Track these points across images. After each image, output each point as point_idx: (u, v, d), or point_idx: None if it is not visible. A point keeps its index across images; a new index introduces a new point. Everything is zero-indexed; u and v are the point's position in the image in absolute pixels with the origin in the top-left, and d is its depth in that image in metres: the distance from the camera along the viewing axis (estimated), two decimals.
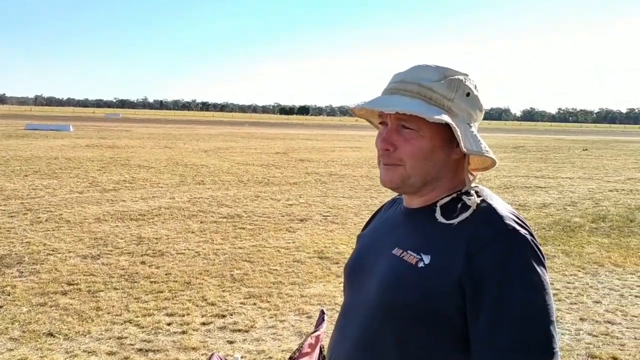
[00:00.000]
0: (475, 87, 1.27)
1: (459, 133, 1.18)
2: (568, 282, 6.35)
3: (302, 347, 2.00)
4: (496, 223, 1.16)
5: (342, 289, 5.22)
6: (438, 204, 1.25)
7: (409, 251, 1.22)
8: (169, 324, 4.83)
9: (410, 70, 1.27)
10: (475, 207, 1.20)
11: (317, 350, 2.13)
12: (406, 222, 1.32)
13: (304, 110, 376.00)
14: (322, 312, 2.36)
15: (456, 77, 1.25)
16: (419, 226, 1.27)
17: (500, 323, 1.08)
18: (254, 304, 5.42)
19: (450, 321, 1.13)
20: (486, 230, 1.15)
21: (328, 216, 9.94)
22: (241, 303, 5.42)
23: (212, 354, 1.95)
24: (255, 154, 22.75)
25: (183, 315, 5.03)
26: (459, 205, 1.22)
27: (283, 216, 9.82)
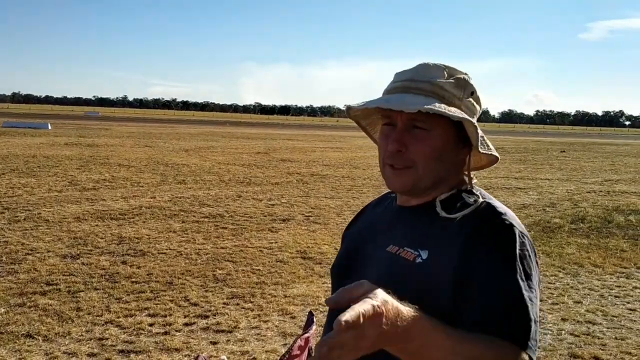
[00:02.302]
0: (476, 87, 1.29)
1: (479, 132, 1.20)
2: (549, 283, 6.41)
3: (291, 349, 1.98)
4: (496, 219, 1.18)
5: (325, 289, 5.19)
6: (437, 199, 1.25)
7: (405, 248, 1.22)
8: (151, 325, 4.77)
9: (417, 68, 1.26)
10: (477, 205, 1.21)
11: (305, 352, 2.11)
12: (402, 219, 1.31)
13: (284, 110, 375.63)
14: (311, 314, 2.34)
15: (462, 76, 1.25)
16: (417, 223, 1.26)
17: (488, 309, 1.08)
18: (237, 304, 5.38)
19: (444, 315, 1.10)
20: (486, 225, 1.17)
21: (310, 216, 9.92)
22: (224, 303, 5.38)
23: (198, 356, 1.92)
24: (237, 154, 22.65)
25: (165, 316, 4.97)
26: (459, 203, 1.23)
27: (265, 216, 9.78)
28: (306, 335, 2.17)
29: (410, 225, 1.27)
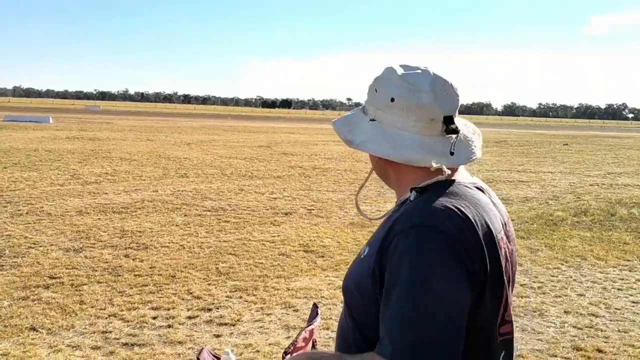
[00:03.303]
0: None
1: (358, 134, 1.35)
2: (552, 275, 6.41)
3: (296, 341, 1.98)
4: (409, 216, 1.16)
5: (328, 282, 5.21)
6: (397, 201, 1.32)
7: (365, 245, 1.28)
8: (154, 318, 4.78)
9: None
10: (407, 200, 1.24)
11: (310, 344, 2.10)
12: None
13: (286, 104, 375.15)
14: (315, 306, 2.34)
15: (373, 81, 1.34)
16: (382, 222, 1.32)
17: (385, 322, 1.10)
18: (240, 297, 5.38)
19: (377, 306, 1.16)
20: (399, 223, 1.15)
21: (312, 210, 9.92)
22: (227, 297, 5.38)
23: (202, 349, 1.92)
24: (239, 147, 22.63)
25: (168, 309, 4.98)
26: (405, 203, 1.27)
27: (267, 209, 9.78)
28: (311, 327, 2.16)
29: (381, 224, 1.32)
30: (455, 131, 1.23)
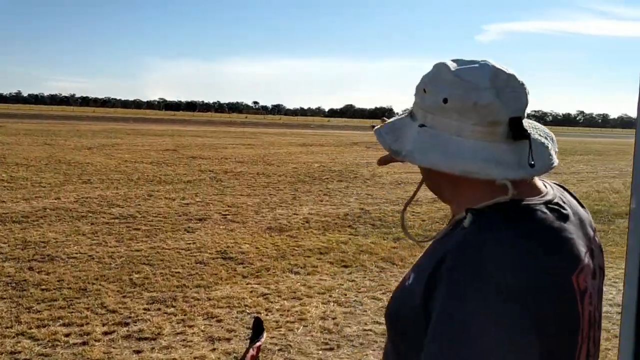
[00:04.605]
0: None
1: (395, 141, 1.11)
2: None
3: (244, 359, 1.88)
4: (463, 251, 0.96)
5: (250, 290, 5.09)
6: (452, 219, 1.11)
7: (411, 270, 1.10)
8: (67, 335, 4.47)
9: None
10: (460, 223, 1.02)
11: None
12: None
13: (191, 107, 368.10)
14: (260, 321, 2.23)
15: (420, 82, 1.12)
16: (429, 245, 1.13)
17: None
18: (159, 309, 5.15)
19: (420, 339, 0.97)
20: (451, 256, 0.96)
21: (228, 215, 9.72)
22: (145, 309, 5.13)
23: None
24: (144, 151, 21.89)
25: (82, 325, 4.68)
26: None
27: (180, 216, 9.48)
28: (258, 343, 2.07)
29: (428, 248, 1.13)
30: (526, 136, 1.01)
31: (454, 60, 1.07)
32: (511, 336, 0.89)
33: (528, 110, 1.07)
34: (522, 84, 1.04)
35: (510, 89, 1.02)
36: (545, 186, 1.09)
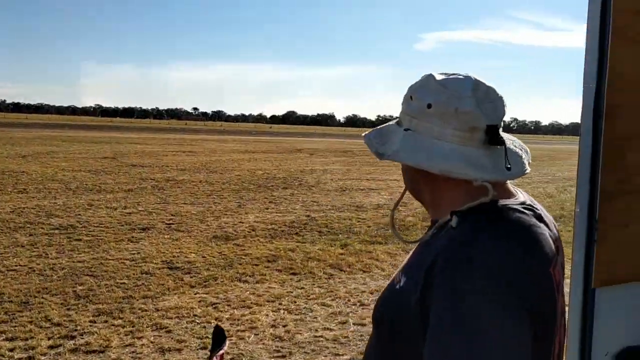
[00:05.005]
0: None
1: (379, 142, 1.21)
2: None
3: None
4: (455, 249, 1.02)
5: (199, 299, 5.07)
6: (437, 224, 1.15)
7: (400, 272, 1.15)
8: (11, 350, 4.32)
9: None
10: (447, 225, 1.09)
11: None
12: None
13: (128, 113, 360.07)
14: (220, 329, 2.25)
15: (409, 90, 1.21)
16: (416, 247, 1.19)
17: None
18: (106, 321, 5.05)
19: (417, 340, 1.03)
20: (444, 254, 1.01)
21: (172, 224, 9.59)
22: (91, 321, 5.02)
23: None
24: (82, 159, 21.28)
25: (26, 339, 4.53)
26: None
27: (122, 225, 9.29)
28: (221, 352, 2.08)
29: (412, 250, 1.20)
30: (501, 142, 1.09)
31: (440, 73, 1.15)
32: (515, 324, 0.95)
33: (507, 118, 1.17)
34: (501, 97, 1.13)
35: (489, 100, 1.11)
36: (517, 191, 1.18)
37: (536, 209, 1.13)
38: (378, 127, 1.26)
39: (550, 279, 1.04)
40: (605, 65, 1.56)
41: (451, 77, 1.13)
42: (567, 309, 1.20)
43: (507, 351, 0.93)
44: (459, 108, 1.08)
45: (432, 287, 1.00)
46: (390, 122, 1.25)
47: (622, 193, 1.61)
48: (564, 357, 1.49)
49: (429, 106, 1.11)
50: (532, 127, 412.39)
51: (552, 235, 1.13)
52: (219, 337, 2.18)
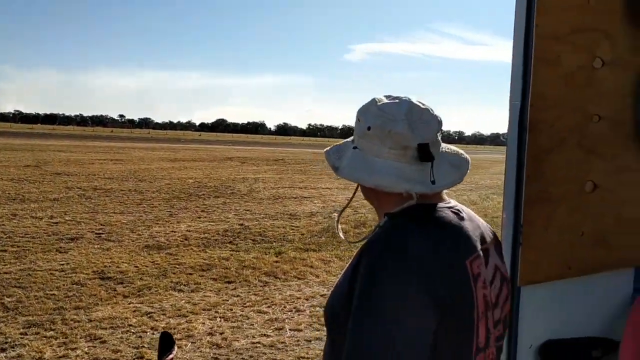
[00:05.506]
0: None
1: (336, 157, 1.37)
2: None
3: None
4: (374, 241, 1.20)
5: (133, 309, 5.06)
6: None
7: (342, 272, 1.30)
8: None
9: None
10: (378, 228, 1.26)
11: None
12: None
13: (50, 119, 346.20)
14: (168, 335, 2.30)
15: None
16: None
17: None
18: (37, 333, 4.93)
19: None
20: (365, 247, 1.20)
21: (102, 234, 9.39)
22: (21, 333, 4.89)
23: None
24: (2, 167, 20.35)
25: None
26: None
27: (50, 235, 9.02)
28: (170, 357, 2.14)
29: None
30: (430, 158, 1.25)
31: (386, 96, 1.33)
32: (415, 305, 1.11)
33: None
34: (435, 116, 1.30)
35: (422, 121, 1.27)
36: (451, 200, 1.36)
37: (460, 211, 1.31)
38: (338, 143, 1.42)
39: (465, 270, 1.20)
40: (528, 85, 1.75)
41: (390, 102, 1.30)
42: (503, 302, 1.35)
43: (404, 328, 1.09)
44: (392, 130, 1.25)
45: (357, 276, 1.16)
46: (348, 140, 1.41)
47: (542, 200, 1.80)
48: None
49: (369, 128, 1.29)
50: (456, 137, 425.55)
51: (479, 235, 1.31)
52: (167, 342, 2.23)
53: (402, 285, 1.12)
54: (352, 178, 1.29)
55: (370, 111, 1.31)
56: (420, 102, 1.31)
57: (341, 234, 1.48)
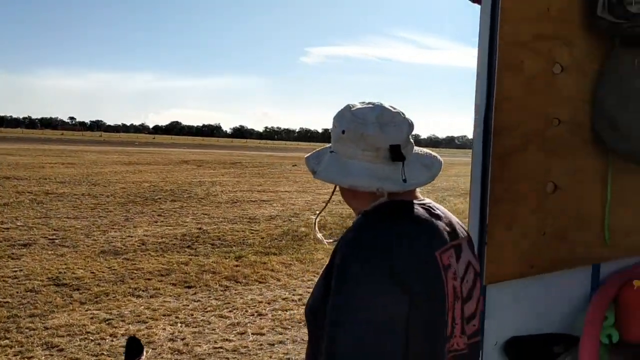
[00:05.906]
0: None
1: (317, 162, 1.45)
2: (308, 287, 6.94)
3: None
4: (346, 236, 1.31)
5: (90, 316, 4.97)
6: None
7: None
8: None
9: None
10: (352, 226, 1.35)
11: None
12: None
13: None
14: (136, 339, 2.27)
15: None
16: None
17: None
18: None
19: None
20: (340, 242, 1.31)
21: (55, 239, 9.15)
22: None
23: None
24: None
25: None
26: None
27: (1, 242, 8.74)
28: None
29: None
30: (401, 158, 1.33)
31: (360, 102, 1.42)
32: (386, 291, 1.19)
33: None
34: (405, 120, 1.38)
35: (393, 124, 1.35)
36: (425, 198, 1.46)
37: (432, 208, 1.42)
38: (317, 150, 1.50)
39: (435, 262, 1.28)
40: (492, 90, 1.81)
41: (363, 107, 1.39)
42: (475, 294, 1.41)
43: (377, 324, 1.16)
44: (364, 132, 1.34)
45: (332, 272, 1.24)
46: (326, 146, 1.50)
47: (506, 200, 1.86)
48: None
49: (343, 132, 1.37)
50: (412, 140, 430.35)
51: (451, 230, 1.40)
52: (135, 347, 2.20)
53: (374, 282, 1.18)
54: (328, 179, 1.37)
55: (344, 116, 1.38)
56: (392, 107, 1.38)
57: (319, 235, 1.55)
